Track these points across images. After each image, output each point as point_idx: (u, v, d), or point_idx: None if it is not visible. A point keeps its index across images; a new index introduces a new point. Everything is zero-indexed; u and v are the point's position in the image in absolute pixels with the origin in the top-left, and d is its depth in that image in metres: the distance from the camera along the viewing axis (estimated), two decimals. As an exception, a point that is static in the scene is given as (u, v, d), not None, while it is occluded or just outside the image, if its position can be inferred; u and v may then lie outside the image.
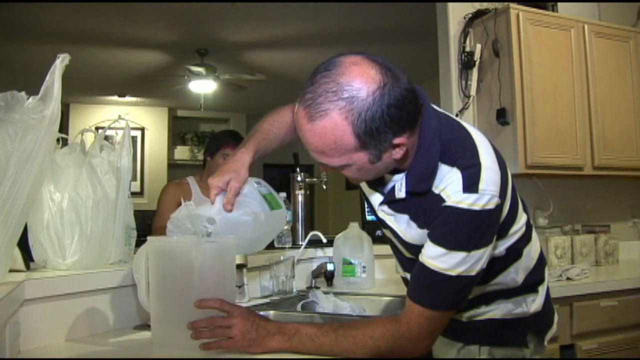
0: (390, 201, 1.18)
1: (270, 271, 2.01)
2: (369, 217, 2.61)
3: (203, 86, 5.81)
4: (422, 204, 1.12)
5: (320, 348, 1.11)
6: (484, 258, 1.09)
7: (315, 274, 2.25)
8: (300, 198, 2.46)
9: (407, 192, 1.13)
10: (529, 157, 2.62)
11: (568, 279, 2.35)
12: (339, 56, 1.03)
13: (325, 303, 1.90)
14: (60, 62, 1.15)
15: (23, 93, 1.13)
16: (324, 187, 2.50)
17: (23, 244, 1.30)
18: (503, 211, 1.13)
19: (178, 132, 8.21)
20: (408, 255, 1.23)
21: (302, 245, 2.26)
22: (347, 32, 4.99)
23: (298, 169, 2.46)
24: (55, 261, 1.37)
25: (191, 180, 2.78)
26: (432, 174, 1.10)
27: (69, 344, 1.27)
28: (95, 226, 1.40)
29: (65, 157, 1.41)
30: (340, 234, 2.29)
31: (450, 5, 2.91)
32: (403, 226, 1.17)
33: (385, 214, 1.21)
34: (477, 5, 2.87)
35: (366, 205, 2.44)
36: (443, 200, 1.07)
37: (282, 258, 2.02)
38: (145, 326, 1.37)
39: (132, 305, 1.44)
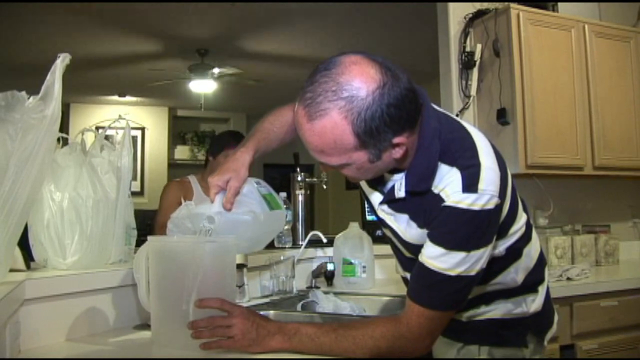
0: (390, 200, 1.18)
1: (270, 271, 2.01)
2: (369, 217, 2.61)
3: (203, 86, 5.81)
4: (422, 204, 1.12)
5: (320, 348, 1.11)
6: (483, 258, 1.09)
7: (316, 274, 2.25)
8: (300, 198, 2.46)
9: (406, 191, 1.13)
10: (529, 157, 2.62)
11: (568, 279, 2.35)
12: (338, 55, 1.03)
13: (325, 303, 1.90)
14: (61, 61, 1.15)
15: (23, 93, 1.13)
16: (324, 187, 2.49)
17: (23, 243, 1.30)
18: (503, 211, 1.13)
19: (178, 131, 8.20)
20: (408, 255, 1.23)
21: (302, 245, 2.26)
22: (348, 31, 4.98)
23: (298, 169, 2.46)
24: (55, 261, 1.37)
25: (192, 179, 2.78)
26: (431, 173, 1.10)
27: (69, 343, 1.27)
28: (96, 226, 1.40)
29: (66, 156, 1.41)
30: (340, 234, 2.29)
31: (451, 5, 2.91)
32: (403, 226, 1.17)
33: (385, 213, 1.21)
34: (478, 5, 2.87)
35: (366, 205, 2.44)
36: (442, 200, 1.07)
37: (282, 258, 2.02)
38: (145, 326, 1.37)
39: (132, 305, 1.44)
